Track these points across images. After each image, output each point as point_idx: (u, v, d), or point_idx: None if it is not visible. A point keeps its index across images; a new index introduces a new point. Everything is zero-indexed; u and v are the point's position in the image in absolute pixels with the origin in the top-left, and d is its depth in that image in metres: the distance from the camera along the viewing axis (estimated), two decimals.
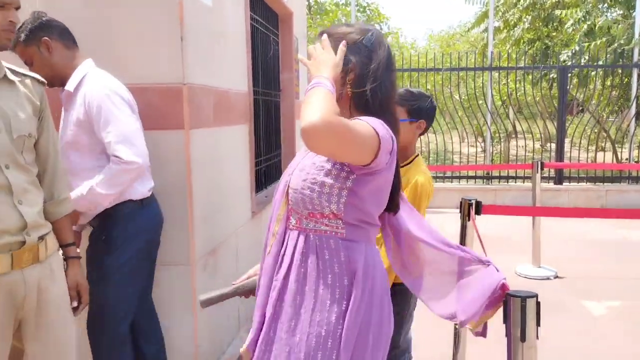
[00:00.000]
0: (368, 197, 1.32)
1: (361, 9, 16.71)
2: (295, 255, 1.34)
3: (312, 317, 1.30)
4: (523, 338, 1.27)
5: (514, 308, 1.28)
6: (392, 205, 1.45)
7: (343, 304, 1.29)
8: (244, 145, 3.35)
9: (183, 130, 2.35)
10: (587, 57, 7.86)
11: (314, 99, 1.21)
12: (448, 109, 8.69)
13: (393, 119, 1.39)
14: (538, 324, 1.29)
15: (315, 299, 1.31)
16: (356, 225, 1.34)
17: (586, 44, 9.24)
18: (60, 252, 1.81)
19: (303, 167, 1.37)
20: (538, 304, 1.29)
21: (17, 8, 1.62)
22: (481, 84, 8.52)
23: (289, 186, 1.38)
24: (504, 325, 1.35)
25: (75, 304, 1.82)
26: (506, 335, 1.34)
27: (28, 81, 1.72)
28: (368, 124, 1.26)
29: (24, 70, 1.76)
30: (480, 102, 8.98)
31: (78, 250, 1.92)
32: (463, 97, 9.51)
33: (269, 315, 1.36)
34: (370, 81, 1.36)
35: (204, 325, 2.58)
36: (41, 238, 1.66)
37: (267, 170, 4.33)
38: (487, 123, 8.24)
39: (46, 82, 1.80)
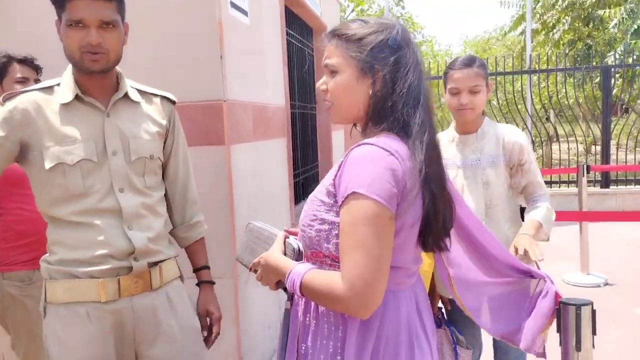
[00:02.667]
0: None
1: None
2: (304, 301, 1.20)
3: None
4: (579, 347, 1.23)
5: (569, 317, 1.24)
6: (427, 245, 1.17)
7: None
8: (282, 158, 3.38)
9: (224, 145, 2.39)
10: (634, 57, 7.59)
11: (318, 289, 1.07)
12: (486, 114, 8.53)
13: (422, 126, 1.11)
14: (594, 332, 1.25)
15: (312, 356, 1.16)
16: None
17: (632, 43, 8.94)
18: (180, 281, 1.70)
19: (308, 201, 1.19)
20: (593, 312, 1.25)
21: (107, 24, 1.43)
22: (520, 88, 8.35)
23: None
24: (557, 334, 1.31)
25: (205, 333, 1.70)
26: (560, 344, 1.30)
27: (157, 100, 1.65)
28: (364, 207, 1.02)
29: (154, 89, 1.69)
30: (519, 106, 8.80)
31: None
32: (502, 102, 9.33)
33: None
34: (401, 88, 1.11)
35: (246, 336, 2.59)
36: (154, 265, 1.56)
37: (304, 182, 4.36)
38: (527, 127, 8.06)
39: (176, 100, 1.72)
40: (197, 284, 1.74)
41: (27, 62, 2.16)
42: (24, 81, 2.13)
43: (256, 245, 1.36)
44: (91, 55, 1.43)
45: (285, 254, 1.24)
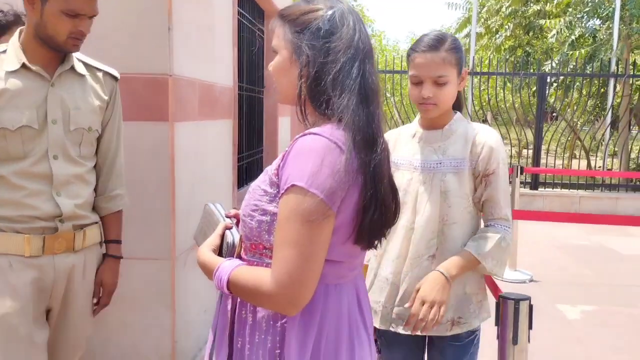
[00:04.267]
0: None
1: None
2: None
3: None
4: (515, 341, 1.26)
5: (508, 311, 1.28)
6: (360, 239, 1.07)
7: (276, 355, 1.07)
8: (227, 141, 3.30)
9: (168, 122, 2.30)
10: (570, 67, 8.00)
11: (245, 286, 1.04)
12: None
13: (370, 118, 1.05)
14: (530, 326, 1.29)
15: (250, 351, 1.10)
16: None
17: (569, 53, 9.41)
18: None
19: (251, 188, 1.13)
20: (531, 306, 1.29)
21: (92, 16, 1.64)
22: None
23: None
24: (495, 327, 1.35)
25: (95, 300, 1.78)
26: (498, 337, 1.33)
27: (100, 75, 1.74)
28: (302, 201, 0.97)
29: (100, 64, 1.76)
30: None
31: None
32: None
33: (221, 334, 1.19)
34: (330, 73, 1.04)
35: (181, 320, 2.52)
36: (80, 228, 1.65)
37: (248, 166, 4.28)
38: None
39: (119, 76, 1.80)
40: (103, 255, 1.80)
41: None
42: None
43: (207, 229, 1.31)
44: (76, 41, 1.60)
45: (221, 246, 1.19)
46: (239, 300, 1.15)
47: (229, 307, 1.17)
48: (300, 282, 0.98)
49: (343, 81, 1.04)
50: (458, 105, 1.66)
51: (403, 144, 1.68)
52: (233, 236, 1.18)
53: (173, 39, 2.28)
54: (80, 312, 1.71)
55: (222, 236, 1.20)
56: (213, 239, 1.19)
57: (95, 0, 1.63)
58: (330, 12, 1.07)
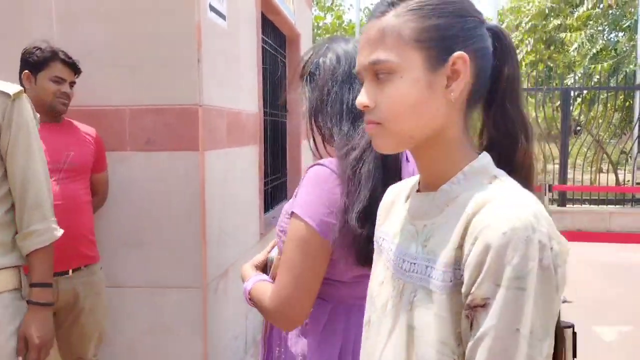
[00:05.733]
0: None
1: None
2: None
3: None
4: None
5: None
6: (364, 263, 1.03)
7: None
8: (254, 166, 3.34)
9: (198, 151, 2.33)
10: (594, 80, 7.89)
11: (257, 299, 1.14)
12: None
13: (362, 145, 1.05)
14: (574, 355, 1.25)
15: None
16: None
17: (592, 67, 9.31)
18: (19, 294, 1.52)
19: (282, 211, 1.21)
20: (574, 334, 1.25)
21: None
22: None
23: None
24: None
25: (21, 359, 1.49)
26: None
27: None
28: (297, 227, 1.04)
29: None
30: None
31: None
32: None
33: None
34: (325, 110, 1.13)
35: (212, 348, 2.52)
36: None
37: (273, 190, 4.31)
38: None
39: (12, 95, 1.50)
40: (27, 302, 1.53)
41: (70, 63, 2.08)
42: (59, 81, 2.05)
43: None
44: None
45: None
46: (273, 337, 1.25)
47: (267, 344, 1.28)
48: (289, 303, 1.05)
49: (339, 108, 1.13)
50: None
51: (396, 210, 0.91)
52: (274, 253, 1.29)
53: (202, 69, 2.32)
54: None
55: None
56: (260, 256, 1.32)
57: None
58: (319, 53, 1.18)
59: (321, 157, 1.16)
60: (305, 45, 5.13)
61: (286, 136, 4.89)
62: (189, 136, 2.32)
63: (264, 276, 1.23)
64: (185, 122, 2.32)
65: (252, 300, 1.18)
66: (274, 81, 4.32)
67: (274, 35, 4.37)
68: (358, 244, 1.03)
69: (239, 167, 2.99)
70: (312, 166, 1.11)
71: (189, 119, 2.32)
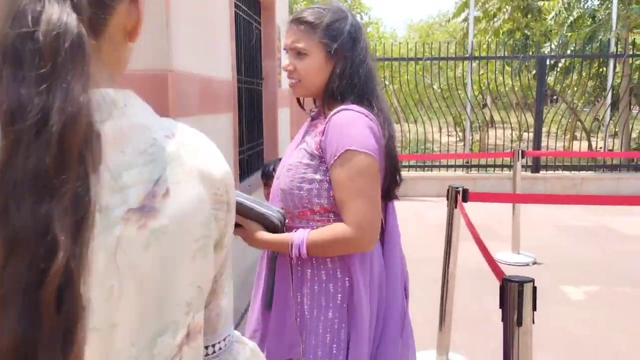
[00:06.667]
0: None
1: (343, 0, 16.64)
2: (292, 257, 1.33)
3: (313, 322, 1.29)
4: (520, 322, 1.29)
5: (511, 293, 1.30)
6: (385, 193, 1.36)
7: (338, 299, 1.28)
8: (228, 134, 3.31)
9: (168, 118, 2.30)
10: (570, 49, 7.96)
11: (325, 241, 1.25)
12: (428, 97, 8.74)
13: (380, 100, 1.34)
14: (534, 308, 1.31)
15: (312, 300, 1.30)
16: None
17: (568, 35, 9.37)
18: None
19: (290, 167, 1.34)
20: (534, 289, 1.31)
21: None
22: (461, 74, 8.57)
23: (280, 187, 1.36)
24: (500, 310, 1.37)
25: None
26: (502, 320, 1.35)
27: None
28: (358, 161, 1.23)
29: None
30: (459, 91, 9.04)
31: None
32: (443, 87, 9.55)
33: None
34: (363, 68, 1.32)
35: None
36: None
37: (249, 159, 4.29)
38: (466, 112, 8.31)
39: None
40: None
41: None
42: None
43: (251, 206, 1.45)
44: None
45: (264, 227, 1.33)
46: (297, 261, 1.33)
47: (290, 268, 1.35)
48: (373, 223, 1.24)
49: (373, 74, 1.35)
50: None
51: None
52: (280, 213, 1.34)
53: (171, 33, 2.28)
54: None
55: (255, 221, 1.32)
56: (255, 226, 1.33)
57: None
58: (352, 19, 1.34)
59: (328, 110, 1.33)
60: (280, 13, 5.05)
61: (262, 104, 4.85)
62: (158, 103, 2.29)
63: (306, 229, 1.30)
64: (154, 88, 2.28)
65: (316, 247, 1.25)
66: (249, 48, 4.25)
67: (248, 1, 4.28)
68: (392, 165, 1.33)
69: (212, 135, 2.95)
70: (336, 112, 1.27)
71: (158, 85, 2.28)
